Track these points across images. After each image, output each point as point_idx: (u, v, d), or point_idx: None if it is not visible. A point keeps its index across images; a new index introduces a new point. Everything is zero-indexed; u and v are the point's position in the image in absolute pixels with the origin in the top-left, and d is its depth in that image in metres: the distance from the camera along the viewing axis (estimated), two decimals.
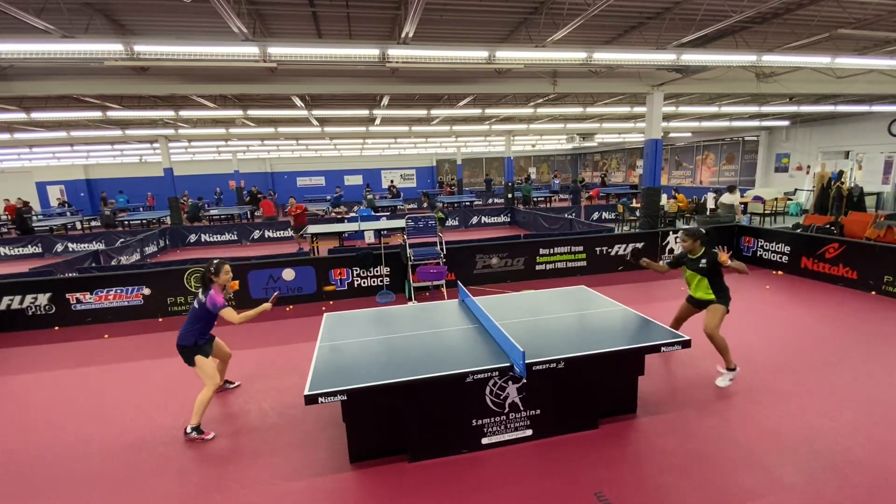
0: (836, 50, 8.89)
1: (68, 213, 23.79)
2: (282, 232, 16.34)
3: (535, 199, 22.17)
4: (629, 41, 8.62)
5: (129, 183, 27.86)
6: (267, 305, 4.41)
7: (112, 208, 18.28)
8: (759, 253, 9.54)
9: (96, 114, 11.22)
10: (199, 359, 4.25)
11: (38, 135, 15.00)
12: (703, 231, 4.79)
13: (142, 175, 27.89)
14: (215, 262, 4.42)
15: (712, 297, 4.73)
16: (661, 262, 5.15)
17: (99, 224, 19.10)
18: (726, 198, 11.60)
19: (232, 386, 5.13)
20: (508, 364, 3.44)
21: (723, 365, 4.77)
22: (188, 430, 4.13)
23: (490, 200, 24.87)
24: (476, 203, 22.61)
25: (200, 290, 4.35)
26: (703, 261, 4.68)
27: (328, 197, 25.63)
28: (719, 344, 4.61)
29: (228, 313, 4.21)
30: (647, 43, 8.41)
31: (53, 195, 27.09)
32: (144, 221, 19.15)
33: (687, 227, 4.86)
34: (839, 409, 4.13)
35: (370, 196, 20.62)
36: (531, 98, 13.69)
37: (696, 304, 4.94)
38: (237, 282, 4.91)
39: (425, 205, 13.76)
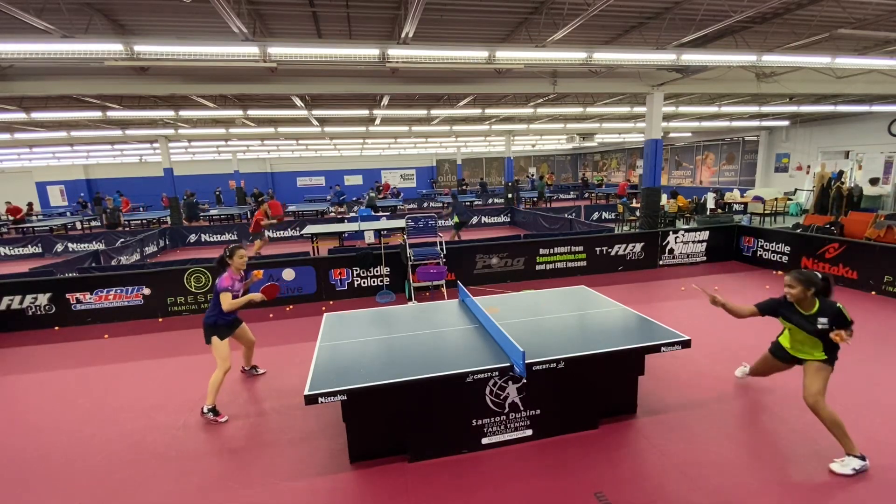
0: (836, 50, 8.89)
1: (68, 214, 23.76)
2: (281, 232, 16.36)
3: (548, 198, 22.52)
4: (629, 41, 8.62)
5: (129, 183, 27.86)
6: (256, 296, 4.59)
7: (111, 207, 18.16)
8: (758, 253, 9.54)
9: (96, 114, 11.22)
10: (214, 339, 4.51)
11: (38, 135, 15.00)
12: (821, 277, 3.46)
13: (142, 175, 27.90)
14: (231, 245, 4.73)
15: (821, 356, 3.54)
16: (743, 305, 3.89)
17: (99, 224, 19.07)
18: (869, 191, 11.08)
19: (258, 372, 5.40)
20: (508, 364, 3.44)
21: (842, 451, 3.41)
22: (204, 409, 4.41)
23: (490, 200, 24.88)
24: (476, 203, 22.64)
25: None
26: (823, 320, 3.39)
27: (328, 196, 25.60)
28: (828, 419, 3.39)
29: (223, 297, 4.42)
30: (647, 43, 8.41)
31: (53, 195, 27.10)
32: (144, 221, 19.16)
33: (798, 271, 3.51)
34: (839, 410, 4.10)
35: (372, 194, 20.62)
36: (531, 98, 13.69)
37: (787, 360, 3.87)
38: (261, 271, 5.07)
39: (449, 209, 13.56)
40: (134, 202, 26.24)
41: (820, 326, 3.42)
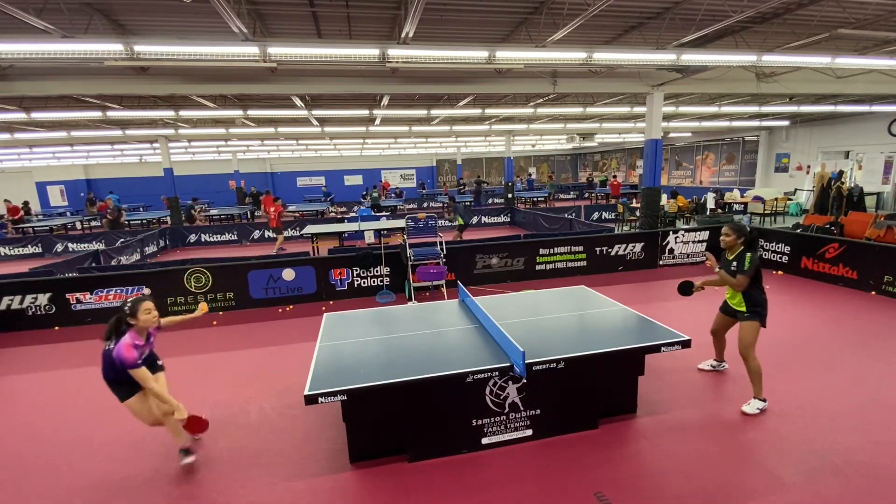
0: (836, 50, 8.89)
1: (69, 214, 23.72)
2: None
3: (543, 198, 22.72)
4: (629, 41, 8.62)
5: (129, 183, 27.88)
6: (178, 415, 3.45)
7: (110, 208, 17.98)
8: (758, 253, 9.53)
9: (96, 114, 11.22)
10: (131, 400, 3.52)
11: (38, 135, 15.00)
12: (749, 229, 4.19)
13: (142, 175, 27.91)
14: (131, 299, 3.61)
15: (744, 308, 4.19)
16: (716, 271, 4.37)
17: (99, 224, 19.04)
18: None
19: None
20: (508, 364, 3.43)
21: (752, 393, 4.22)
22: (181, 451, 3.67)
23: (490, 200, 24.89)
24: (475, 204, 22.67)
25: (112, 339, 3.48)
26: (735, 263, 4.11)
27: (322, 199, 25.69)
28: (752, 368, 4.12)
29: (137, 374, 3.30)
30: (647, 43, 8.41)
31: (53, 195, 27.11)
32: (144, 221, 19.15)
33: (734, 222, 4.36)
34: (839, 410, 4.13)
35: (375, 194, 20.66)
36: (531, 98, 13.69)
37: (729, 314, 4.45)
38: (205, 304, 4.45)
39: (449, 211, 13.67)
40: (133, 202, 26.25)
41: (732, 268, 4.10)
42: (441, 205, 21.93)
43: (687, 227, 10.62)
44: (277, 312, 7.80)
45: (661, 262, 9.84)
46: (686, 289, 4.58)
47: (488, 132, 20.12)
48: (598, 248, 9.45)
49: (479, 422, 3.71)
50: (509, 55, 6.85)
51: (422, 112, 13.51)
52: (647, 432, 3.89)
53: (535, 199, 23.15)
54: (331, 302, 8.25)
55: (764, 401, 4.18)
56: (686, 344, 3.76)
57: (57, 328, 7.45)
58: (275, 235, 13.00)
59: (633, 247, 9.65)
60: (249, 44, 6.02)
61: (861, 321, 6.27)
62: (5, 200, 19.79)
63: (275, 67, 7.62)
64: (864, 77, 11.41)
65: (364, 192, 23.75)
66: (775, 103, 14.76)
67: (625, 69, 10.09)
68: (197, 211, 20.70)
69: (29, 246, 14.80)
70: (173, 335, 6.88)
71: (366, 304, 7.84)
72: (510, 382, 3.70)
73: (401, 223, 10.97)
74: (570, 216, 16.12)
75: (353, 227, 12.26)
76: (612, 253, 9.54)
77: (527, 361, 3.34)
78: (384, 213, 17.57)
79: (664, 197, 14.02)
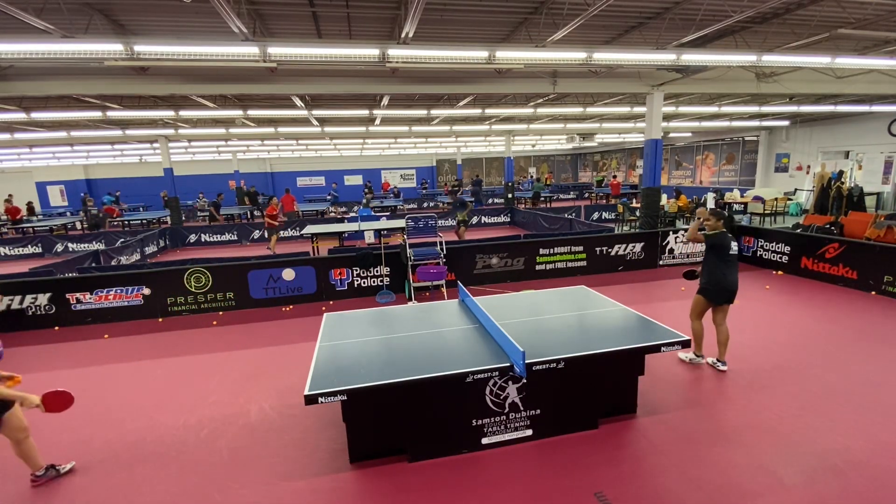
0: (836, 50, 8.89)
1: (69, 214, 23.69)
2: (282, 232, 16.34)
3: (543, 199, 22.76)
4: (629, 41, 8.61)
5: (129, 183, 27.86)
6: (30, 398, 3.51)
7: (93, 206, 17.89)
8: (759, 253, 9.54)
9: (96, 114, 11.22)
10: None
11: (38, 135, 15.00)
12: (729, 216, 4.89)
13: (142, 175, 27.90)
14: None
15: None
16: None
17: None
18: None
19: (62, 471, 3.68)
20: (508, 364, 3.43)
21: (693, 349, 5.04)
22: (37, 474, 3.58)
23: (490, 200, 24.88)
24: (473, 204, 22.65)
25: None
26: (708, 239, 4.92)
27: (327, 196, 25.74)
28: (693, 330, 4.99)
29: None
30: (647, 43, 8.41)
31: (53, 195, 27.09)
32: (144, 221, 19.15)
33: (713, 209, 5.18)
34: (839, 409, 4.13)
35: (369, 196, 20.68)
36: (531, 98, 13.69)
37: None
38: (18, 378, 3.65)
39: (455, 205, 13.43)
40: (133, 202, 26.21)
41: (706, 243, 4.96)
42: (441, 204, 21.90)
43: (687, 227, 10.61)
44: (277, 312, 7.80)
45: (660, 262, 9.84)
46: (690, 275, 5.46)
47: (488, 132, 20.11)
48: (598, 248, 9.45)
49: (479, 422, 3.71)
50: (509, 55, 6.85)
51: (422, 112, 13.50)
52: (647, 432, 3.89)
53: (527, 199, 23.10)
54: (331, 302, 8.25)
55: (702, 357, 5.08)
56: (686, 344, 3.77)
57: (57, 328, 7.45)
58: (267, 236, 12.91)
59: (633, 247, 9.65)
60: (249, 44, 6.02)
61: (861, 321, 6.27)
62: (6, 201, 19.79)
63: (275, 67, 7.62)
64: (864, 77, 11.41)
65: (365, 189, 23.93)
66: (775, 103, 14.76)
67: (625, 69, 10.09)
68: (206, 203, 20.83)
69: (29, 246, 14.80)
70: (172, 336, 6.88)
71: (366, 304, 7.84)
72: (510, 382, 3.71)
73: (401, 223, 10.97)
74: (570, 216, 16.12)
75: (353, 227, 12.26)
76: (612, 253, 9.54)
77: (527, 361, 3.34)
78: (383, 214, 17.57)
79: (664, 197, 14.01)
